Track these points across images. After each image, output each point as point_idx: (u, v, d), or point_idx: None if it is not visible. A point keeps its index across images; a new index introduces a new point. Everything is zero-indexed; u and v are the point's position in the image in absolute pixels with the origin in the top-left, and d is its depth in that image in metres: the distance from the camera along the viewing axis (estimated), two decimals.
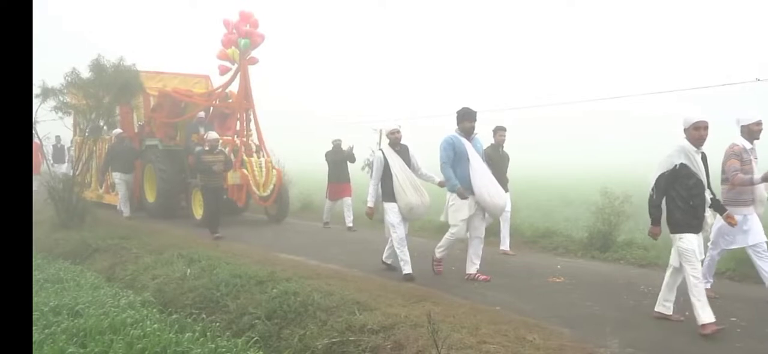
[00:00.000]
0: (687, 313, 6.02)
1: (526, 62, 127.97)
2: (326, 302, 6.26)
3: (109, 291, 7.78)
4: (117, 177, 14.47)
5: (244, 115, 14.09)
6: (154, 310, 6.93)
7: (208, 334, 6.08)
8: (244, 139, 13.95)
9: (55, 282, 8.32)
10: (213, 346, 5.73)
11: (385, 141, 8.51)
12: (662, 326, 5.92)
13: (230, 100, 14.58)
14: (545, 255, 9.95)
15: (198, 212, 13.38)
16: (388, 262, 8.53)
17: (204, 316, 6.67)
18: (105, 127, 15.51)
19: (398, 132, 8.13)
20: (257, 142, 14.30)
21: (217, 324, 6.48)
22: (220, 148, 12.06)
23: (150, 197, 14.92)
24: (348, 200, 13.19)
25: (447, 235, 8.01)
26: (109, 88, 12.00)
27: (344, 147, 13.24)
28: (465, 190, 7.69)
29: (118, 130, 14.55)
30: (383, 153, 8.17)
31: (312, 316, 6.06)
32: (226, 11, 14.01)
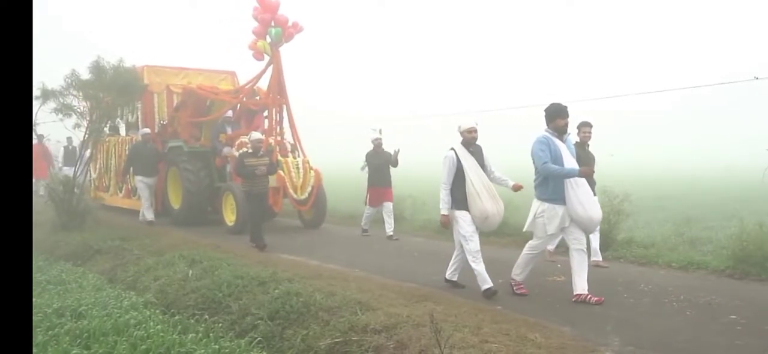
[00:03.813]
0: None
1: (520, 60, 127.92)
2: (328, 302, 6.29)
3: (111, 292, 7.81)
4: (140, 181, 13.54)
5: (278, 111, 13.04)
6: (157, 311, 6.96)
7: (211, 334, 6.12)
8: (279, 138, 12.94)
9: (58, 284, 8.35)
10: (216, 346, 5.76)
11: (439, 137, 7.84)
12: (663, 324, 5.95)
13: (258, 97, 13.83)
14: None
15: (230, 218, 12.44)
16: (453, 278, 7.58)
17: (207, 317, 6.69)
18: (106, 129, 15.26)
19: (475, 130, 7.21)
20: (292, 141, 13.34)
21: (220, 325, 6.51)
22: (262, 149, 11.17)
23: (175, 203, 13.89)
24: (389, 206, 11.95)
25: (527, 251, 7.08)
26: (109, 89, 12.02)
27: (386, 148, 11.98)
28: (555, 203, 6.74)
29: (146, 130, 13.73)
30: (456, 153, 7.16)
31: (314, 317, 6.09)
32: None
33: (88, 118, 12.36)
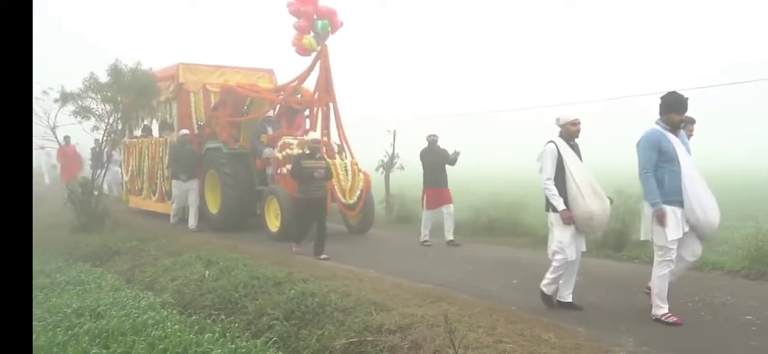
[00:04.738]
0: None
1: (533, 60, 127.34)
2: (343, 303, 6.35)
3: (129, 292, 7.91)
4: (176, 184, 12.97)
5: (324, 110, 12.14)
6: (174, 311, 7.04)
7: (227, 334, 6.18)
8: (326, 139, 12.02)
9: (77, 284, 8.47)
10: (233, 346, 5.82)
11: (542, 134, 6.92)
12: (678, 325, 5.94)
13: (299, 95, 13.03)
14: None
15: (273, 224, 11.58)
16: (567, 298, 6.62)
17: (223, 317, 6.76)
18: (137, 131, 15.72)
19: (579, 122, 6.47)
20: (339, 142, 12.51)
21: (236, 325, 6.57)
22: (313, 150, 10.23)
23: (213, 207, 13.11)
24: (449, 208, 10.93)
25: (657, 272, 6.07)
26: (127, 92, 12.16)
27: (441, 144, 11.15)
28: (673, 205, 5.89)
29: (185, 131, 13.09)
30: (557, 146, 6.39)
31: (329, 317, 6.14)
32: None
33: (106, 121, 12.49)
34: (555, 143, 6.40)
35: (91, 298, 7.47)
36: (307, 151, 10.05)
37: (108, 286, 8.34)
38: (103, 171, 13.62)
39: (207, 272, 8.19)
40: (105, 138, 12.92)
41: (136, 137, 16.16)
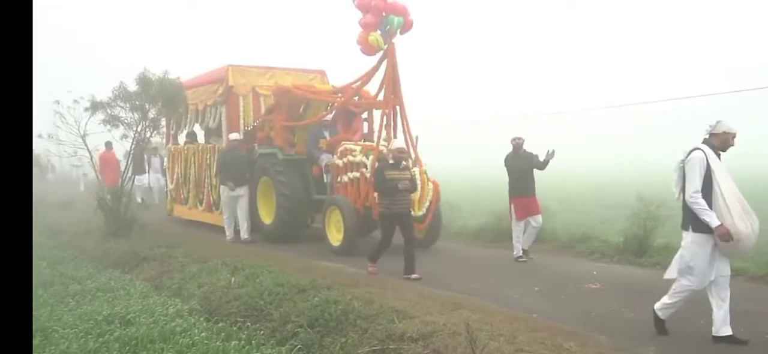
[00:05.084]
0: None
1: (543, 65, 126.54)
2: (366, 310, 6.43)
3: (157, 299, 8.05)
4: (225, 191, 12.38)
5: (390, 114, 10.89)
6: (201, 318, 7.17)
7: (253, 342, 6.29)
8: (388, 146, 10.39)
9: (107, 291, 8.65)
10: None
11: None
12: (699, 333, 5.96)
13: (357, 97, 11.99)
14: (581, 260, 9.99)
15: (335, 238, 10.80)
16: (726, 332, 5.76)
17: (249, 324, 6.88)
18: (182, 136, 15.78)
19: (735, 136, 5.83)
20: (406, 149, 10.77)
21: (262, 332, 6.68)
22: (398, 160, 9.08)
23: (266, 218, 12.42)
24: (538, 219, 10.01)
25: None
26: (154, 100, 12.39)
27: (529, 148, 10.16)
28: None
29: (235, 135, 12.55)
30: (705, 155, 5.71)
31: (352, 324, 6.23)
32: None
33: (134, 129, 12.72)
34: (703, 152, 5.71)
35: (121, 305, 7.64)
36: (391, 161, 9.00)
37: (137, 293, 8.51)
38: (130, 177, 13.76)
39: (233, 279, 8.33)
40: (133, 146, 13.12)
41: (181, 144, 15.87)
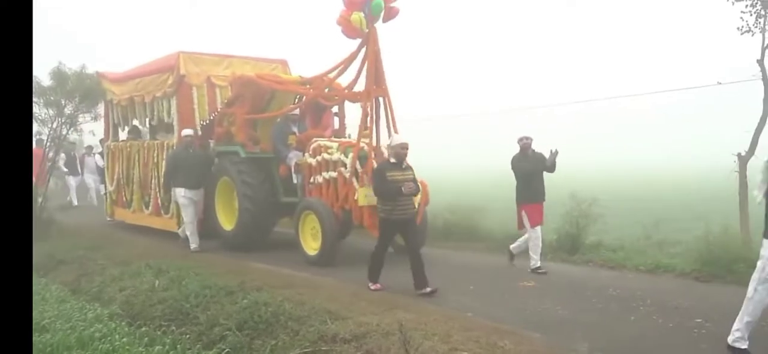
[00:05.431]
0: None
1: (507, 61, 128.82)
2: (297, 312, 6.24)
3: (75, 304, 7.64)
4: (182, 194, 10.78)
5: (374, 105, 9.57)
6: (123, 323, 6.83)
7: (178, 347, 6.02)
8: (373, 142, 9.51)
9: None
10: None
11: None
12: (631, 329, 6.00)
13: (327, 89, 10.79)
14: (516, 258, 9.99)
15: (311, 246, 9.57)
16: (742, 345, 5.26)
17: (173, 328, 6.58)
18: (123, 132, 14.08)
19: None
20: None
21: (187, 336, 6.40)
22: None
23: (226, 223, 11.03)
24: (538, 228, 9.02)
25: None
26: (71, 95, 11.80)
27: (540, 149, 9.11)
28: None
29: (189, 131, 11.03)
30: None
31: (283, 327, 6.02)
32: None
33: (49, 126, 12.09)
34: None
35: (35, 310, 7.17)
36: (393, 160, 7.83)
37: (52, 298, 8.04)
38: (47, 177, 13.08)
39: (157, 282, 7.98)
40: (48, 143, 12.45)
41: (123, 140, 14.19)
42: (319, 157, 9.88)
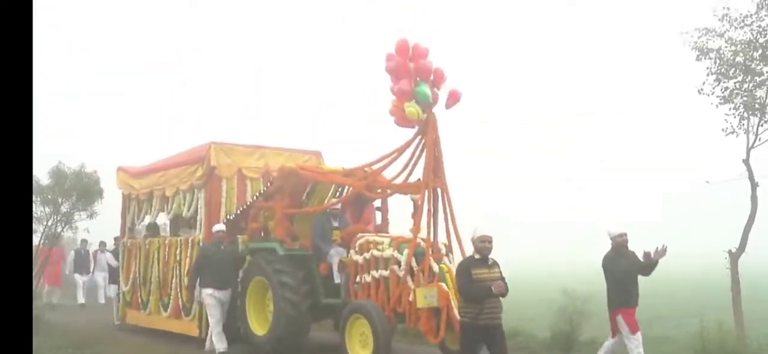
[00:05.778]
0: None
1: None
2: None
3: None
4: (209, 294, 10.01)
5: (432, 197, 8.76)
6: None
7: None
8: (431, 238, 8.68)
9: None
10: None
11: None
12: None
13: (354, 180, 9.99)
14: None
15: None
16: None
17: None
18: (140, 226, 13.44)
19: None
20: (446, 241, 9.02)
21: None
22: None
23: (259, 328, 10.00)
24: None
25: None
26: (68, 194, 11.89)
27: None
28: None
29: (220, 227, 10.39)
30: None
31: None
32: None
33: (44, 224, 12.10)
34: None
35: None
36: (477, 256, 6.85)
37: None
38: (39, 275, 12.92)
39: None
40: (42, 241, 12.41)
41: (140, 237, 13.35)
42: (367, 254, 8.99)
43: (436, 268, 8.20)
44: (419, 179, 8.94)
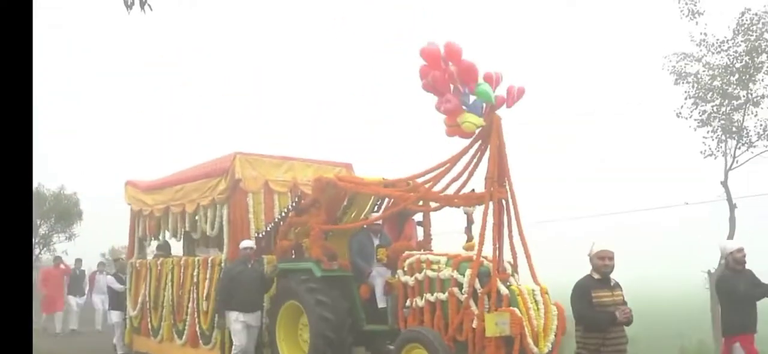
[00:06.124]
0: None
1: None
2: None
3: None
4: (235, 319, 9.08)
5: (497, 210, 7.38)
6: None
7: None
8: (496, 255, 7.29)
9: None
10: None
11: None
12: None
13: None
14: None
15: None
16: None
17: None
18: (151, 246, 12.55)
19: None
20: (512, 258, 7.63)
21: None
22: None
23: None
24: None
25: None
26: (46, 216, 11.81)
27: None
28: None
29: (248, 244, 9.33)
30: None
31: None
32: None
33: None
34: None
35: None
36: (596, 276, 5.96)
37: None
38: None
39: None
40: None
41: (151, 257, 12.29)
42: (419, 275, 7.87)
43: (504, 290, 7.00)
44: (473, 190, 7.92)
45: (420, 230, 9.84)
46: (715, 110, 10.27)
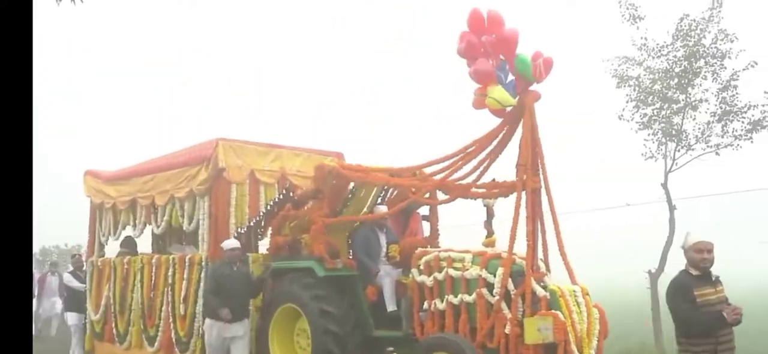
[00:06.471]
0: None
1: None
2: None
3: None
4: (212, 327, 8.09)
5: (531, 200, 6.47)
6: None
7: None
8: (532, 252, 6.48)
9: None
10: None
11: None
12: None
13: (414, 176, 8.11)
14: None
15: None
16: None
17: None
18: (111, 240, 10.92)
19: None
20: (544, 256, 6.79)
21: None
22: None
23: None
24: None
25: None
26: None
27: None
28: None
29: (234, 244, 8.20)
30: None
31: None
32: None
33: None
34: None
35: None
36: (694, 272, 5.12)
37: None
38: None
39: None
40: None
41: (112, 255, 10.82)
42: (438, 275, 6.98)
43: (540, 291, 6.19)
44: (494, 179, 7.13)
45: (426, 225, 9.04)
46: (655, 113, 10.58)
